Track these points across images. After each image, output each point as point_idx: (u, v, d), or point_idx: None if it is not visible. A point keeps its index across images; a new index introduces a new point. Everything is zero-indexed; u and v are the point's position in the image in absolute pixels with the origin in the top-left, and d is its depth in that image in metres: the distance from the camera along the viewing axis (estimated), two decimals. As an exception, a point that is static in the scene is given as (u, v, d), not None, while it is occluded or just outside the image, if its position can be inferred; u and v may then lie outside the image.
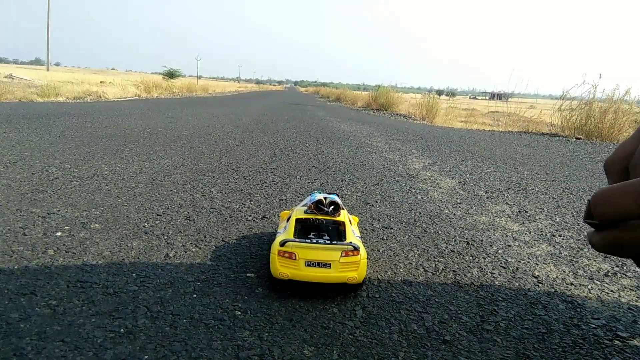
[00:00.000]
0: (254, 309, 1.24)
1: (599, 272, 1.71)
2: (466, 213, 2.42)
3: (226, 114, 8.59)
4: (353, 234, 1.45)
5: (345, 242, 1.35)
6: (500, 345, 1.14)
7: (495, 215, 2.42)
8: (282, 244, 1.31)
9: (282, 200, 2.45)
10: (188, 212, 2.09)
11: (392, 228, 2.07)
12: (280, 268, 1.30)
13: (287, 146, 4.54)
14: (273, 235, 1.62)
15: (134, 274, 1.40)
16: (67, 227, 1.77)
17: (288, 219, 1.53)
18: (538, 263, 1.76)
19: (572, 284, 1.58)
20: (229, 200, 2.37)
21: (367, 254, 1.47)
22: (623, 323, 1.31)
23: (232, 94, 23.93)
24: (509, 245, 1.94)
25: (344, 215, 1.52)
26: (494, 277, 1.59)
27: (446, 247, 1.85)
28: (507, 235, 2.08)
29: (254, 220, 2.04)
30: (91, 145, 3.77)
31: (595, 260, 1.82)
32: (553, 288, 1.53)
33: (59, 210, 1.98)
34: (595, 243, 0.57)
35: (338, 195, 1.62)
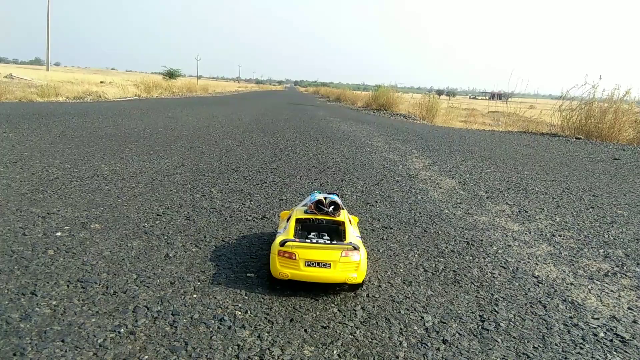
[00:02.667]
0: (254, 309, 1.24)
1: (599, 272, 1.71)
2: (466, 213, 2.42)
3: (226, 114, 8.60)
4: (353, 234, 1.45)
5: (345, 242, 1.35)
6: (500, 345, 1.14)
7: (495, 215, 2.42)
8: (282, 244, 1.31)
9: (282, 200, 2.45)
10: (188, 212, 2.09)
11: (392, 228, 2.07)
12: (281, 268, 1.30)
13: (287, 146, 4.54)
14: (273, 235, 1.62)
15: (134, 274, 1.40)
16: (67, 227, 1.77)
17: (288, 219, 1.54)
18: (538, 263, 1.76)
19: (572, 284, 1.58)
20: (229, 200, 2.37)
21: (367, 254, 1.47)
22: (623, 323, 1.31)
23: (232, 94, 23.94)
24: (509, 245, 1.94)
25: (344, 215, 1.52)
26: (494, 277, 1.59)
27: (446, 247, 1.85)
28: (507, 235, 2.08)
29: (254, 220, 2.04)
30: (91, 145, 3.77)
31: (595, 260, 1.82)
32: (553, 288, 1.53)
33: (59, 210, 1.98)
34: None
35: (338, 195, 1.62)
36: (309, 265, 1.29)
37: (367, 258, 1.43)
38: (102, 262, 1.47)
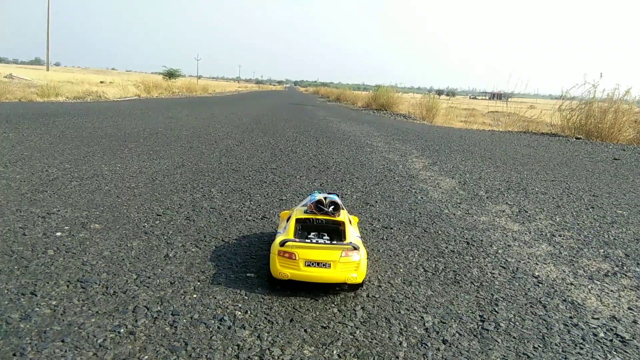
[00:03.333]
0: (254, 309, 1.24)
1: (599, 272, 1.71)
2: (466, 213, 2.42)
3: (226, 114, 8.60)
4: (353, 234, 1.45)
5: (345, 242, 1.35)
6: (500, 345, 1.14)
7: (495, 215, 2.42)
8: (282, 244, 1.31)
9: (282, 200, 2.45)
10: (188, 212, 2.09)
11: (392, 228, 2.07)
12: (280, 268, 1.30)
13: (287, 146, 4.54)
14: (273, 235, 1.62)
15: (134, 274, 1.40)
16: (67, 227, 1.77)
17: (288, 219, 1.54)
18: (538, 263, 1.76)
19: (572, 284, 1.58)
20: (229, 200, 2.37)
21: (367, 254, 1.47)
22: (623, 323, 1.31)
23: (232, 94, 23.93)
24: (509, 245, 1.94)
25: (343, 215, 1.53)
26: (494, 277, 1.59)
27: (446, 247, 1.85)
28: (507, 235, 2.08)
29: (254, 220, 2.04)
30: (91, 145, 3.77)
31: (595, 260, 1.82)
32: (553, 288, 1.53)
33: (59, 210, 1.98)
34: None
35: (338, 195, 1.63)
36: (309, 265, 1.29)
37: (367, 258, 1.43)
38: (102, 262, 1.47)
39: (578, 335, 1.22)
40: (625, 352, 1.16)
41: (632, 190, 3.32)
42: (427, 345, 1.12)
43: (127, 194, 2.35)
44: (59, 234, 1.70)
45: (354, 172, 3.39)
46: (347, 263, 1.29)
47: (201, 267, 1.49)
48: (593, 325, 1.28)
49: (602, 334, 1.24)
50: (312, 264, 1.29)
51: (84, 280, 1.33)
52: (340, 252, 1.30)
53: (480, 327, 1.22)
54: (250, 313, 1.21)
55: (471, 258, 1.75)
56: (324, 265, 1.29)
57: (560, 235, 2.13)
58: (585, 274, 1.67)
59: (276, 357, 1.02)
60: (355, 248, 1.31)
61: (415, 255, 1.73)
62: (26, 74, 18.45)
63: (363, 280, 1.33)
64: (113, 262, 1.48)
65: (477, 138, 6.76)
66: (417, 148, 5.10)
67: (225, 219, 2.04)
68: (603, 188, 3.33)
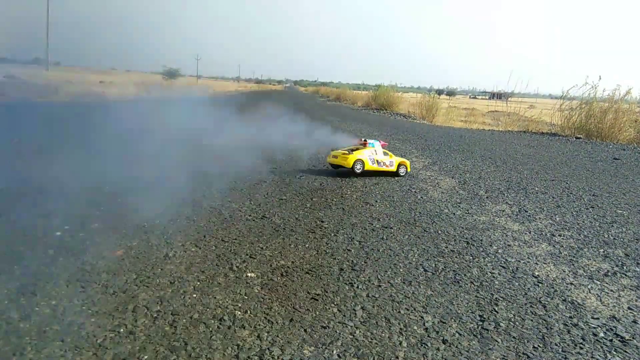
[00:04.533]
0: (253, 309, 1.24)
1: (599, 272, 1.71)
2: (466, 212, 2.42)
3: (226, 112, 8.58)
4: (397, 158, 3.13)
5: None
6: (500, 345, 1.14)
7: (495, 214, 2.42)
8: (356, 157, 2.58)
9: (282, 200, 2.45)
10: (188, 212, 2.09)
11: (392, 228, 2.07)
12: (357, 165, 2.86)
13: (287, 146, 4.53)
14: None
15: (133, 274, 1.40)
16: (67, 227, 1.77)
17: (352, 150, 2.88)
18: (538, 263, 1.76)
19: (572, 284, 1.58)
20: (229, 200, 2.37)
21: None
22: (623, 323, 1.31)
23: (231, 94, 23.90)
24: (509, 245, 1.94)
25: (391, 156, 2.81)
26: (494, 277, 1.59)
27: (446, 247, 1.85)
28: (507, 235, 2.08)
29: (253, 220, 2.04)
30: (91, 145, 3.76)
31: (595, 260, 1.82)
32: (553, 288, 1.53)
33: (59, 210, 1.97)
34: None
35: (378, 141, 2.93)
36: (374, 164, 2.53)
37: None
38: (102, 262, 1.47)
39: (578, 335, 1.22)
40: (625, 352, 1.16)
41: (632, 190, 3.32)
42: (427, 345, 1.12)
43: (127, 193, 2.34)
44: (59, 233, 1.70)
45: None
46: (401, 164, 2.41)
47: (201, 266, 1.49)
48: (593, 325, 1.28)
49: (602, 334, 1.24)
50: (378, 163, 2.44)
51: (84, 280, 1.33)
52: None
53: (480, 327, 1.22)
54: (250, 313, 1.22)
55: (471, 258, 1.75)
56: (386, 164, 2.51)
57: (560, 235, 2.13)
58: (585, 274, 1.67)
59: (276, 357, 1.02)
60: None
61: (415, 255, 1.73)
62: (26, 74, 18.42)
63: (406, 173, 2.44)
64: (113, 262, 1.48)
65: (477, 138, 6.76)
66: (417, 147, 5.09)
67: (225, 218, 2.04)
68: (603, 188, 3.33)
